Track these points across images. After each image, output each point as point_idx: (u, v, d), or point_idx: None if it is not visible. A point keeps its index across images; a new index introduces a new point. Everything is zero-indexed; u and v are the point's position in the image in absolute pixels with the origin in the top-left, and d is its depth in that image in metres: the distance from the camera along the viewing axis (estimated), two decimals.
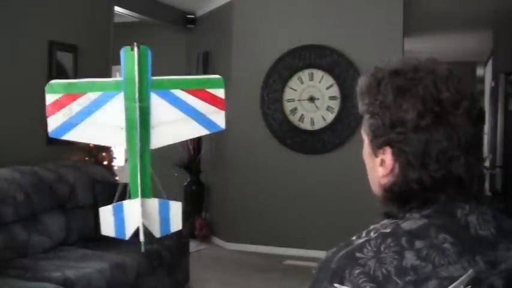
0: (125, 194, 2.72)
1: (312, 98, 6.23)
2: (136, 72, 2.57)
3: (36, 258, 3.78)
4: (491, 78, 8.51)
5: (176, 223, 2.75)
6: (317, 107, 6.21)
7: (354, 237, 0.90)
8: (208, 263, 5.79)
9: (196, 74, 6.99)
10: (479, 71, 11.12)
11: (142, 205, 2.61)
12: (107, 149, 5.41)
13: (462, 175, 0.89)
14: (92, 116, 2.61)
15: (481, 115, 0.92)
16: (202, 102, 2.69)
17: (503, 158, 7.00)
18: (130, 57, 2.61)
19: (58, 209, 4.28)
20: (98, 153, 5.30)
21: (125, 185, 2.73)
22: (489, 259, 0.85)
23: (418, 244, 0.83)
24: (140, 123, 2.58)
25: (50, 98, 2.61)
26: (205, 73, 6.94)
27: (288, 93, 6.27)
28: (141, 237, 2.61)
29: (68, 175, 4.46)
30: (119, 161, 5.77)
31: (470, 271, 0.82)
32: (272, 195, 6.26)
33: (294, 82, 6.26)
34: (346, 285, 0.83)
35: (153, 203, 2.69)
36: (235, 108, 6.48)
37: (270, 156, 6.31)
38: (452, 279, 0.81)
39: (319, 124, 6.20)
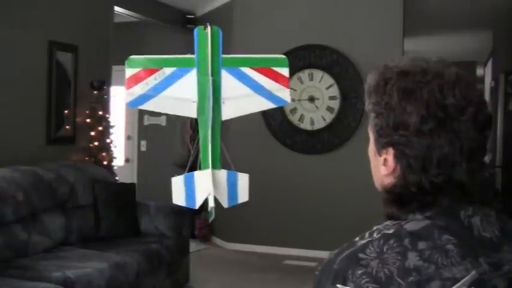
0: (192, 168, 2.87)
1: (312, 98, 6.22)
2: (209, 49, 2.68)
3: (36, 258, 3.78)
4: (491, 78, 8.52)
5: (243, 194, 2.92)
6: (317, 107, 6.21)
7: (356, 239, 0.90)
8: (208, 262, 5.79)
9: None
10: (479, 71, 11.13)
11: (212, 176, 2.72)
12: (107, 149, 5.42)
13: (464, 181, 0.88)
14: (167, 90, 2.76)
15: (488, 122, 0.91)
16: (268, 80, 2.85)
17: (503, 158, 7.01)
18: (203, 36, 2.79)
19: (58, 209, 4.28)
20: (98, 153, 5.31)
21: (196, 157, 2.87)
22: (492, 261, 0.85)
23: (421, 245, 0.83)
24: (212, 96, 2.71)
25: (128, 72, 2.74)
26: None
27: None
28: (211, 204, 2.72)
29: (68, 175, 4.46)
30: (118, 161, 5.77)
31: (473, 272, 0.82)
32: (272, 195, 6.26)
33: (293, 82, 6.25)
34: (349, 286, 0.83)
35: (222, 174, 2.81)
36: None
37: (270, 156, 6.31)
38: (455, 281, 0.81)
39: (319, 124, 6.20)
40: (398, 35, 5.98)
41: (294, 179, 6.22)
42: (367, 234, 0.89)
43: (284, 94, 2.86)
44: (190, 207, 2.86)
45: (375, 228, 0.90)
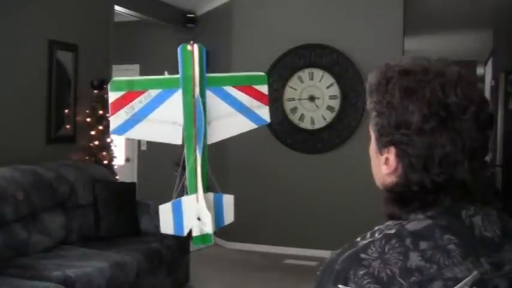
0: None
1: (312, 97, 6.22)
2: (197, 69, 2.65)
3: (36, 257, 3.78)
4: (491, 77, 8.51)
5: (229, 216, 2.86)
6: (317, 106, 6.21)
7: (358, 239, 0.90)
8: (208, 262, 5.78)
9: None
10: (480, 70, 11.12)
11: (206, 200, 2.68)
12: (107, 148, 5.42)
13: (466, 180, 0.88)
14: (152, 114, 2.68)
15: (490, 121, 0.90)
16: (249, 98, 2.82)
17: (503, 157, 7.00)
18: (187, 54, 2.69)
19: (58, 208, 4.28)
20: (98, 153, 5.31)
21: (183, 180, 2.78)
22: (494, 260, 0.85)
23: (423, 245, 0.83)
24: (199, 119, 2.66)
25: (112, 96, 2.61)
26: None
27: (288, 93, 6.27)
28: (209, 230, 2.65)
29: (68, 174, 4.46)
30: (119, 160, 5.77)
31: (475, 273, 0.82)
32: (272, 195, 6.26)
33: (294, 81, 6.26)
34: (350, 286, 0.83)
35: (209, 197, 2.75)
36: None
37: (270, 155, 6.31)
38: (457, 280, 0.81)
39: (320, 123, 6.19)
40: (399, 34, 5.97)
41: (294, 178, 6.22)
42: (368, 235, 0.89)
43: (264, 112, 2.87)
44: (179, 235, 2.78)
45: (376, 228, 0.90)
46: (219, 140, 2.90)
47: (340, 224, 5.88)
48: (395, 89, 0.90)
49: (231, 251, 6.30)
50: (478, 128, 0.88)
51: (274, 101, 6.29)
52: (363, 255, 0.84)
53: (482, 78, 10.74)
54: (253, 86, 2.86)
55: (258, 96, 2.86)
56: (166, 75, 2.84)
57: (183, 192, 2.81)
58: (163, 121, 2.69)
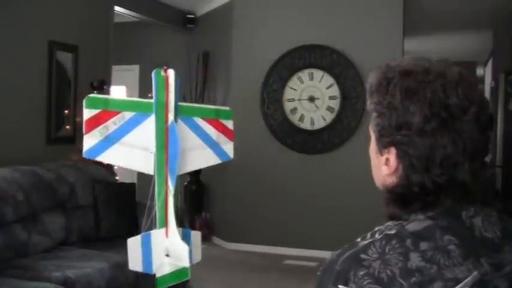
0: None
1: (312, 98, 6.22)
2: (172, 95, 2.58)
3: (36, 258, 3.78)
4: (491, 78, 8.51)
5: (197, 254, 2.77)
6: (317, 107, 6.20)
7: (358, 239, 0.89)
8: (208, 262, 5.77)
9: (196, 74, 6.99)
10: (480, 71, 11.12)
11: (179, 233, 2.59)
12: None
13: (467, 181, 0.88)
14: (126, 137, 2.58)
15: (490, 122, 0.91)
16: (217, 132, 2.77)
17: (503, 158, 7.01)
18: (161, 80, 2.61)
19: (58, 209, 4.27)
20: None
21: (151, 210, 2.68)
22: (494, 261, 0.85)
23: (423, 245, 0.83)
24: (174, 146, 2.58)
25: (87, 113, 2.52)
26: (205, 73, 6.93)
27: (288, 93, 6.27)
28: (186, 263, 2.58)
29: (68, 175, 4.46)
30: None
31: (475, 273, 0.82)
32: (272, 195, 6.26)
33: (293, 82, 6.26)
34: (351, 287, 0.83)
35: (179, 232, 2.66)
36: (235, 108, 6.44)
37: (270, 156, 6.31)
38: (457, 281, 0.81)
39: (319, 124, 6.19)
40: (399, 35, 5.97)
41: (294, 178, 6.22)
42: (368, 235, 0.89)
43: (229, 148, 2.84)
44: (147, 272, 2.71)
45: (376, 228, 0.90)
46: (187, 172, 2.83)
47: (340, 224, 5.88)
48: (396, 90, 0.90)
49: (231, 252, 6.30)
50: (478, 129, 0.88)
51: (274, 101, 6.30)
52: (363, 256, 0.85)
53: (482, 79, 10.75)
54: (220, 120, 2.82)
55: (224, 131, 2.83)
56: (142, 100, 2.77)
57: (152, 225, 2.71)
58: (136, 146, 2.60)
